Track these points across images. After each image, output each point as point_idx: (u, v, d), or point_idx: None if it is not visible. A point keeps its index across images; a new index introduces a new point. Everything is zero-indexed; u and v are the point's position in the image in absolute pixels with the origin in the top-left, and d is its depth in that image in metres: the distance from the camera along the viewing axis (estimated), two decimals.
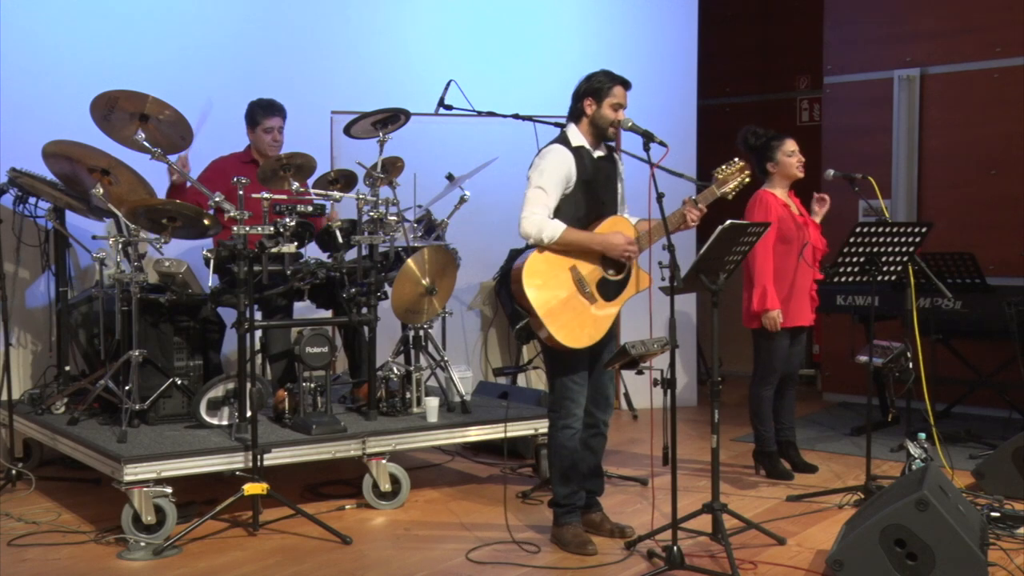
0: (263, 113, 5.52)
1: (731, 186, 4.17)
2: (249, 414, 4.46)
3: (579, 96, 4.12)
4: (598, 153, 4.14)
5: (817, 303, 5.28)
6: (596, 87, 4.08)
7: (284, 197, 4.89)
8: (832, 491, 4.90)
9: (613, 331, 4.20)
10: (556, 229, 3.95)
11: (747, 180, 4.24)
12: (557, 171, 4.01)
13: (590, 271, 4.03)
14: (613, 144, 4.23)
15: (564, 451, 4.13)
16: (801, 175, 5.24)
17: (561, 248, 3.98)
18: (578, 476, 4.19)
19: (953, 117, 7.06)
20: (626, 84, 4.10)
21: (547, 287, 3.96)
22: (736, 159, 4.22)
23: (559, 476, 4.17)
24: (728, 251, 4.02)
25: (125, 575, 3.94)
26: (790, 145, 5.21)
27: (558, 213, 4.03)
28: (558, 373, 4.11)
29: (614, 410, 4.50)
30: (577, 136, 4.11)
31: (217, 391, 4.75)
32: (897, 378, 5.14)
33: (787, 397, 5.38)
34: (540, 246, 3.97)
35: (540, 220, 3.95)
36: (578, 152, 4.06)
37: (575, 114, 4.15)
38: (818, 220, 5.29)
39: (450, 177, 5.80)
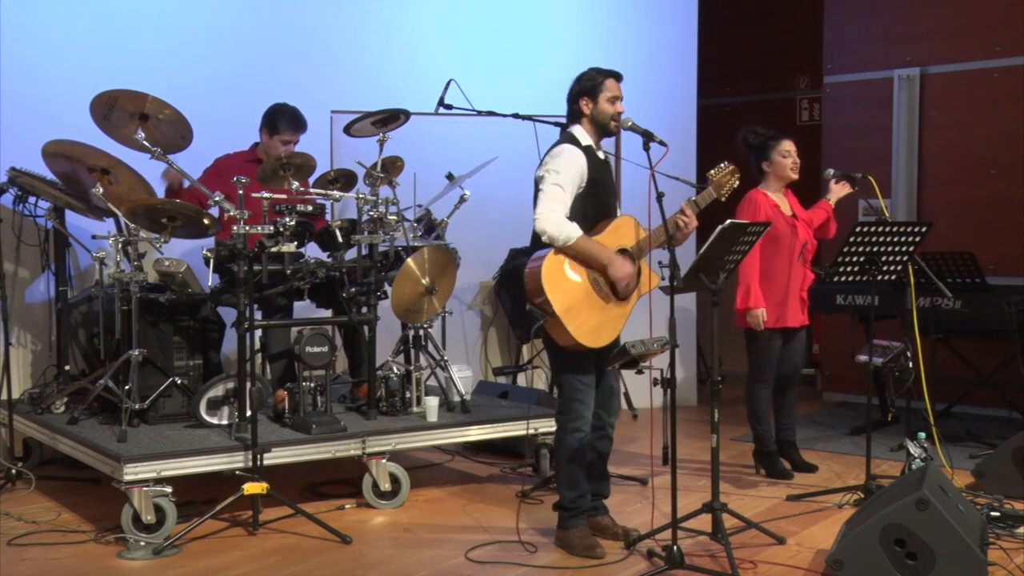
0: (288, 126, 5.42)
1: (724, 189, 4.28)
2: (249, 414, 4.46)
3: (574, 98, 4.13)
4: (600, 153, 4.15)
5: (808, 304, 5.28)
6: (589, 85, 4.09)
7: (284, 196, 4.90)
8: (832, 491, 4.90)
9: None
10: (573, 234, 3.91)
11: (736, 184, 4.33)
12: (572, 169, 3.99)
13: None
14: (610, 147, 4.24)
15: (572, 453, 4.09)
16: (794, 177, 5.24)
17: (572, 253, 3.97)
18: (585, 480, 4.16)
19: (953, 117, 7.06)
20: (617, 76, 4.11)
21: (566, 286, 3.93)
22: (726, 163, 4.33)
23: (566, 480, 4.13)
24: (728, 250, 4.02)
25: (125, 574, 3.94)
26: (786, 146, 5.21)
27: (570, 210, 4.03)
28: (566, 375, 4.07)
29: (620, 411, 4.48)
30: (584, 136, 4.11)
31: (217, 391, 4.75)
32: (897, 377, 5.14)
33: (789, 397, 5.38)
34: (556, 247, 3.94)
35: (559, 219, 3.91)
36: (588, 151, 4.07)
37: (573, 116, 4.15)
38: (832, 201, 5.32)
39: (450, 177, 5.81)
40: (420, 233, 5.56)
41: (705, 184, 4.23)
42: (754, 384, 5.26)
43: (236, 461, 4.39)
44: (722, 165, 4.29)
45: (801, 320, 5.25)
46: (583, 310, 3.94)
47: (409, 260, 4.98)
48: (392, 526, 4.52)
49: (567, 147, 4.04)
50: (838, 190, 5.35)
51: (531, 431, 5.18)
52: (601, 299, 3.99)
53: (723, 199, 4.30)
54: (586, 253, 3.95)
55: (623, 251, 4.04)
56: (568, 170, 3.98)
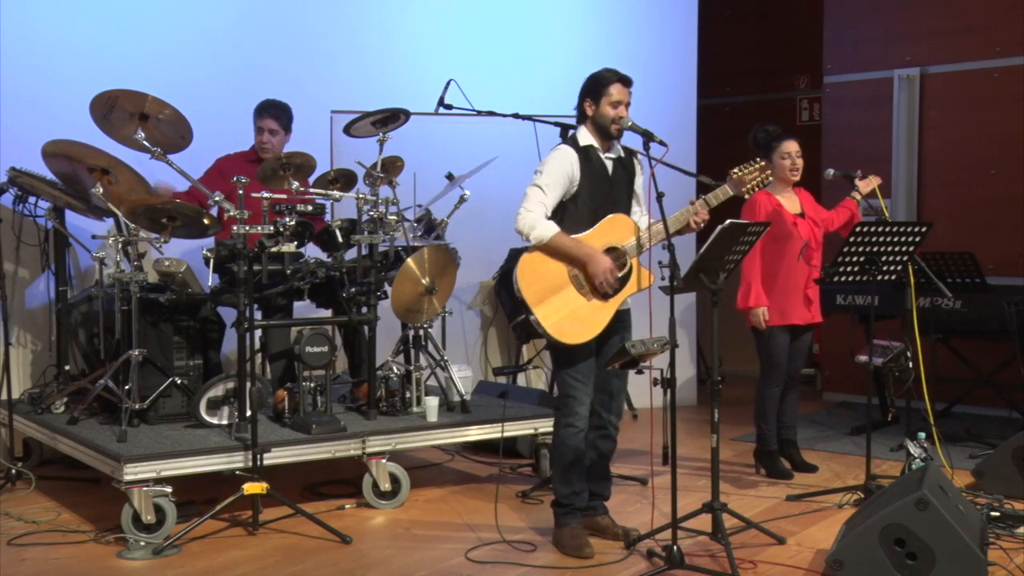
0: (259, 115, 5.52)
1: (748, 185, 4.18)
2: (249, 413, 4.46)
3: (580, 98, 4.14)
4: (610, 155, 4.14)
5: (813, 302, 5.27)
6: (593, 87, 4.09)
7: (284, 196, 4.90)
8: (832, 491, 4.90)
9: (624, 331, 4.19)
10: (547, 231, 3.95)
11: (769, 180, 4.27)
12: (557, 170, 4.01)
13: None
14: (623, 145, 4.20)
15: (566, 449, 4.10)
16: (794, 179, 5.22)
17: (550, 250, 3.98)
18: (580, 476, 4.16)
19: (953, 117, 7.06)
20: (624, 80, 4.09)
21: (541, 282, 3.96)
22: (757, 159, 4.25)
23: (560, 475, 4.15)
24: (728, 250, 4.02)
25: (125, 574, 3.94)
26: (786, 147, 5.19)
27: (565, 212, 4.03)
28: (561, 370, 4.09)
29: (623, 412, 4.46)
30: (586, 137, 4.11)
31: (217, 390, 4.75)
32: (897, 377, 5.14)
33: (789, 396, 5.38)
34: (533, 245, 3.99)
35: (534, 218, 3.95)
36: (585, 152, 4.06)
37: (580, 116, 4.16)
38: (858, 198, 5.30)
39: (450, 177, 5.80)
40: (420, 233, 5.56)
41: (719, 180, 4.20)
42: (765, 382, 5.28)
43: (236, 461, 4.39)
44: (754, 161, 4.22)
45: (807, 318, 5.25)
46: (560, 306, 3.96)
47: (409, 260, 4.98)
48: (392, 526, 4.52)
49: (559, 148, 4.09)
50: (864, 186, 5.33)
51: (527, 432, 5.19)
52: (581, 295, 4.00)
53: (746, 196, 4.27)
54: (564, 250, 3.98)
55: (612, 249, 4.04)
56: (551, 171, 4.01)
